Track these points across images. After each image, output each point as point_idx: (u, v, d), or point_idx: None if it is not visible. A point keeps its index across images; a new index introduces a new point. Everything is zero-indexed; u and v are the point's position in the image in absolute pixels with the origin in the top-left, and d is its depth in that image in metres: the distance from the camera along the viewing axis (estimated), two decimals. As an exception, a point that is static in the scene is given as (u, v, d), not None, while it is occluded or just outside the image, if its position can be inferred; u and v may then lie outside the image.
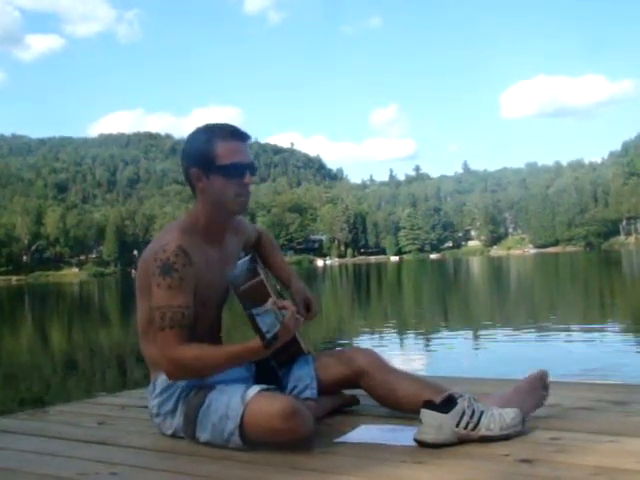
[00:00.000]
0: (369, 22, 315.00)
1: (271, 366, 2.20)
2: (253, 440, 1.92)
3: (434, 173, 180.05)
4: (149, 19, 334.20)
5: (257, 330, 1.90)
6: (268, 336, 1.87)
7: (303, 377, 2.19)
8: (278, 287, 2.32)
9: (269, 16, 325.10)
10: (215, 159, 2.02)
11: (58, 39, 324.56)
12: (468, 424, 1.87)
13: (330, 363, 2.23)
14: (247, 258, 2.28)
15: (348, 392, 2.35)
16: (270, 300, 1.95)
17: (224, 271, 2.15)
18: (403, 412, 2.13)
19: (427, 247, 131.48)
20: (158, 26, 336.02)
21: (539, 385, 2.07)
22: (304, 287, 2.35)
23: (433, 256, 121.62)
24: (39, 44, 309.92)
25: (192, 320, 1.98)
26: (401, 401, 2.11)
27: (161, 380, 2.08)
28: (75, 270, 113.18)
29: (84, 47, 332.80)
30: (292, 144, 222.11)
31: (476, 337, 10.04)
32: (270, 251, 2.43)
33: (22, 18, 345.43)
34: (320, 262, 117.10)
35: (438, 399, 1.91)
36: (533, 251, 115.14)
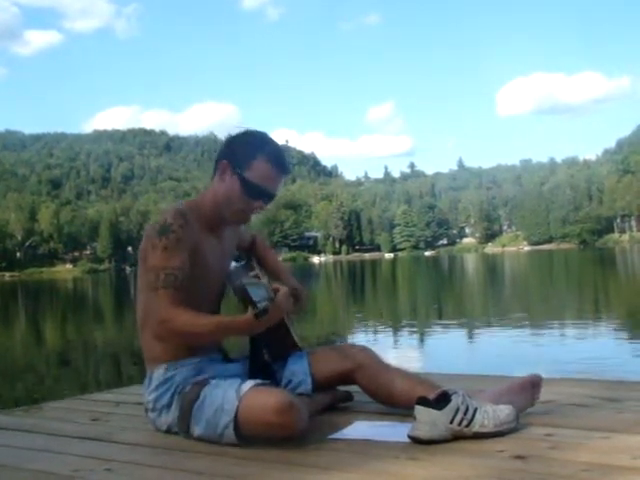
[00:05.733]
0: (367, 19, 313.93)
1: (265, 361, 2.21)
2: (247, 434, 1.92)
3: (429, 170, 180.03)
4: (147, 14, 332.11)
5: (248, 300, 1.89)
6: (259, 306, 1.87)
7: (297, 372, 2.20)
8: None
9: (267, 12, 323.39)
10: (247, 169, 2.06)
11: (56, 35, 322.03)
12: (462, 420, 1.88)
13: (324, 359, 2.23)
14: (242, 262, 2.30)
15: (342, 388, 2.36)
16: (264, 279, 1.96)
17: (222, 261, 2.17)
18: (397, 408, 2.13)
19: (422, 244, 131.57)
20: (156, 21, 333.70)
21: (530, 388, 2.09)
22: (296, 281, 2.37)
23: (428, 253, 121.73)
24: (38, 40, 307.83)
25: (186, 283, 1.99)
26: (395, 397, 2.12)
27: (157, 375, 2.09)
28: (69, 266, 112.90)
29: (82, 43, 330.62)
30: (287, 141, 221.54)
31: (470, 334, 10.06)
32: (264, 252, 2.47)
33: (21, 14, 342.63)
34: (316, 259, 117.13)
35: (432, 395, 1.92)
36: (527, 248, 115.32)
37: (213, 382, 2.02)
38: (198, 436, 2.00)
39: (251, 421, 1.89)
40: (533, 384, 2.09)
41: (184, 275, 1.99)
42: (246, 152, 2.07)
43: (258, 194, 2.09)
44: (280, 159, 2.11)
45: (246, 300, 1.92)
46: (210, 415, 1.96)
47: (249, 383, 1.97)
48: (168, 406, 2.08)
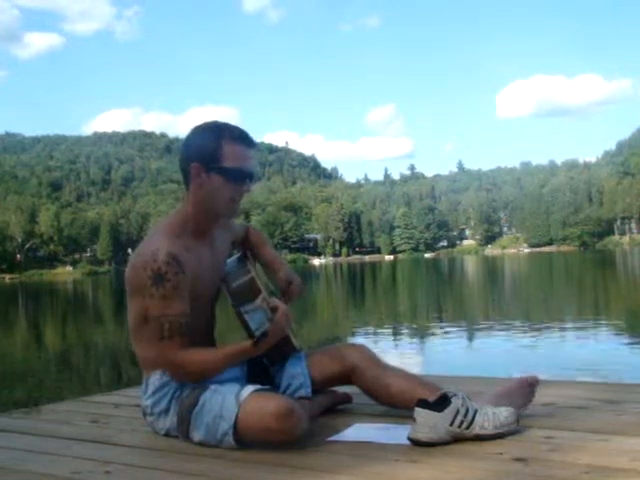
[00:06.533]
0: (367, 21, 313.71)
1: (263, 364, 2.20)
2: (247, 441, 1.91)
3: (429, 172, 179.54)
4: (148, 17, 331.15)
5: (246, 328, 1.91)
6: (257, 334, 1.88)
7: (296, 375, 2.19)
8: (271, 287, 2.32)
9: (268, 15, 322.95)
10: (220, 159, 2.02)
11: (57, 37, 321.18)
12: (462, 423, 1.87)
13: (322, 360, 2.23)
14: (237, 256, 2.28)
15: (341, 389, 2.35)
16: (260, 297, 1.95)
17: (214, 266, 2.15)
18: (395, 408, 2.13)
19: (422, 246, 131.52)
20: (157, 24, 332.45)
21: (527, 389, 2.09)
22: (291, 271, 2.33)
23: (427, 255, 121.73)
24: (38, 42, 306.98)
25: (190, 326, 1.99)
26: (394, 397, 2.11)
27: (154, 380, 2.07)
28: (69, 269, 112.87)
29: (83, 45, 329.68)
30: (287, 143, 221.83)
31: (470, 336, 10.06)
32: (259, 244, 2.41)
33: (21, 16, 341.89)
34: (316, 261, 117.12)
35: (432, 398, 1.91)
36: (527, 250, 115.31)
37: (212, 387, 2.00)
38: (198, 441, 1.99)
39: (250, 427, 1.89)
40: (530, 385, 2.09)
41: (187, 319, 1.99)
42: (209, 145, 2.03)
43: (241, 177, 2.06)
44: (242, 136, 2.08)
45: (244, 326, 1.94)
46: (209, 421, 1.95)
47: (249, 389, 1.95)
48: (166, 411, 2.06)
